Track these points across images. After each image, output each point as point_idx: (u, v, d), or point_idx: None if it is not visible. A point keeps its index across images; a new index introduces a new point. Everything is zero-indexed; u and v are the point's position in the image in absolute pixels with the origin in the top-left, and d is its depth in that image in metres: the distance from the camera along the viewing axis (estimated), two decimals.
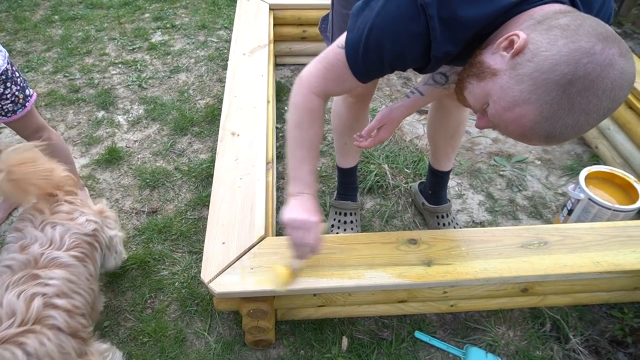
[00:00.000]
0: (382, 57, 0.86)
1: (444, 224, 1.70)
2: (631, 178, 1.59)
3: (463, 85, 0.85)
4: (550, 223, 1.78)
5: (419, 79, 2.56)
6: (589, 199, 1.54)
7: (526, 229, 1.31)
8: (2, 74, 1.28)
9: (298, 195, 1.05)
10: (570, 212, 1.62)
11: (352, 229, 1.66)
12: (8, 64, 1.31)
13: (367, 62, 0.90)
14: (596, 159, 2.05)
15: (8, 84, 1.30)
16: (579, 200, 1.57)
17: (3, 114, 1.34)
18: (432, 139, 1.58)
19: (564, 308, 1.47)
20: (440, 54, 0.82)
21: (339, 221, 1.67)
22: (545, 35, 0.70)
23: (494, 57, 0.76)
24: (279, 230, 1.70)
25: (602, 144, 2.03)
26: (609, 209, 1.51)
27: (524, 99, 0.71)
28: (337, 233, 1.64)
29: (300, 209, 1.03)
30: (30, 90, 1.42)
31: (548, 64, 0.68)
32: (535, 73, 0.69)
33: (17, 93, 1.34)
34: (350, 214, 1.67)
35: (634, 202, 1.53)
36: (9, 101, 1.32)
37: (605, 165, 1.98)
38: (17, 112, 1.36)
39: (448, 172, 1.64)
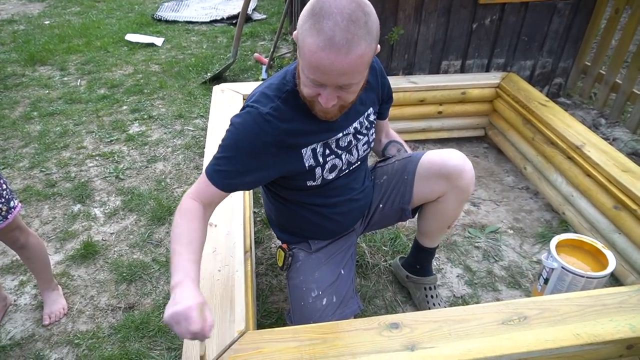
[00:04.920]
0: None
1: (431, 296, 1.71)
2: (598, 244, 1.65)
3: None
4: (529, 292, 1.80)
5: None
6: (562, 267, 1.58)
7: (505, 304, 1.32)
8: None
9: (177, 286, 0.97)
10: (546, 281, 1.65)
11: None
12: None
13: None
14: (565, 225, 2.13)
15: None
16: (553, 269, 1.61)
17: None
18: (426, 222, 1.59)
19: None
20: None
21: None
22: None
23: None
24: (259, 321, 1.67)
25: (568, 210, 2.12)
26: (582, 277, 1.54)
27: None
28: None
29: (180, 298, 0.94)
30: (16, 201, 1.42)
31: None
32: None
33: (0, 206, 1.34)
34: None
35: (604, 267, 1.58)
36: None
37: (574, 230, 2.05)
38: None
39: (436, 248, 1.68)
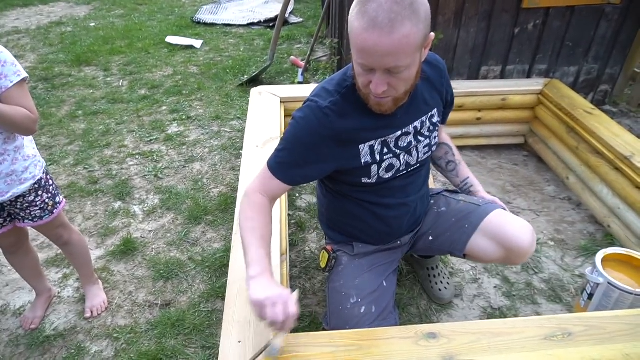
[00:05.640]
0: None
1: (433, 275, 1.76)
2: None
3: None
4: (571, 307, 1.74)
5: None
6: (609, 283, 1.51)
7: (548, 319, 1.28)
8: (35, 183, 1.34)
9: (260, 276, 1.05)
10: (590, 296, 1.58)
11: None
12: (43, 173, 1.38)
13: None
14: (610, 238, 2.04)
15: (39, 192, 1.37)
16: (598, 284, 1.54)
17: (30, 219, 1.39)
18: None
19: None
20: None
21: None
22: None
23: None
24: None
25: (614, 223, 2.03)
26: (631, 294, 1.47)
27: None
28: None
29: (268, 285, 1.03)
30: (61, 197, 1.48)
31: None
32: None
33: (47, 200, 1.40)
34: None
35: None
36: (37, 208, 1.38)
37: (620, 244, 1.97)
38: (44, 218, 1.41)
39: None
